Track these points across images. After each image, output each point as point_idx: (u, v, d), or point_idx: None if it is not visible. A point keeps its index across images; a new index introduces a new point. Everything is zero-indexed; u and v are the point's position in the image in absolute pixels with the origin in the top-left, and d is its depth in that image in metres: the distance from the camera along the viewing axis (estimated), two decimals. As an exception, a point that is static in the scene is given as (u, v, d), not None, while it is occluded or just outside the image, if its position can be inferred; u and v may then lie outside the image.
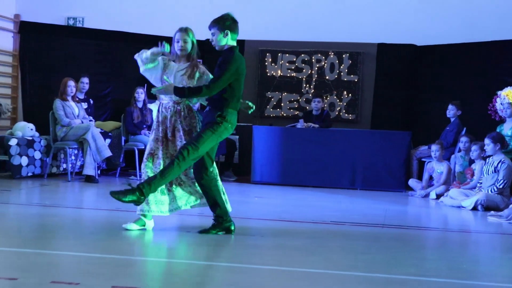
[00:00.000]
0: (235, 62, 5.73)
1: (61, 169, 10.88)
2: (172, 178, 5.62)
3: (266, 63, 12.64)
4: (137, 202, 5.51)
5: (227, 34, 5.79)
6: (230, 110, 5.72)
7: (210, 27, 5.82)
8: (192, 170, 5.81)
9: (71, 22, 13.02)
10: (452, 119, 10.72)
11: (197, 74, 5.91)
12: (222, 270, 4.60)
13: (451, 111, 10.66)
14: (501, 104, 9.80)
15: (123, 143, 11.11)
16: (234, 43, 5.90)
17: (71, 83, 10.32)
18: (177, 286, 4.18)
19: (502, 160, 8.72)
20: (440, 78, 12.03)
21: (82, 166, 10.39)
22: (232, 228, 5.92)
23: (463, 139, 9.90)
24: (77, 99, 10.55)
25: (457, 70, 11.79)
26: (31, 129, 10.51)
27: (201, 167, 5.75)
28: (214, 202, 5.83)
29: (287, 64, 12.63)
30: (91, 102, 11.28)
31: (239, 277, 4.41)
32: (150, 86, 6.18)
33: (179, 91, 5.64)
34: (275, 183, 10.83)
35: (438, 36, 11.95)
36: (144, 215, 5.77)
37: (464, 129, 10.54)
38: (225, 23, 5.81)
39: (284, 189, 10.44)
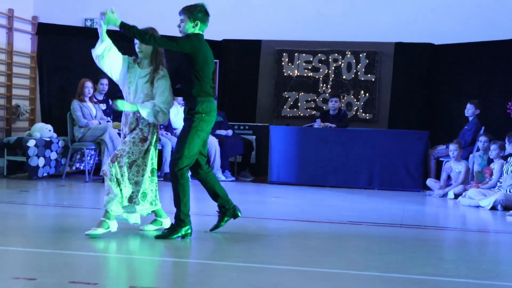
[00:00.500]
0: (192, 38, 5.59)
1: (74, 168, 10.95)
2: (187, 195, 5.60)
3: (283, 63, 12.61)
4: (186, 235, 5.58)
5: (197, 25, 5.63)
6: (200, 98, 5.57)
7: (180, 13, 5.61)
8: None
9: (88, 23, 13.07)
10: (470, 118, 10.65)
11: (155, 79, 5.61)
12: (239, 270, 4.59)
13: (469, 110, 10.59)
14: (520, 103, 9.74)
15: (140, 144, 11.13)
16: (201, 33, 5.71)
17: (89, 84, 10.36)
18: (194, 286, 4.19)
19: (523, 159, 8.67)
20: (458, 77, 11.95)
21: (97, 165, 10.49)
22: (238, 212, 5.91)
23: (482, 138, 9.83)
24: (94, 100, 10.59)
25: (476, 69, 11.69)
26: (49, 130, 10.58)
27: (195, 165, 5.75)
28: (214, 193, 5.84)
29: (304, 64, 12.60)
30: (111, 103, 11.30)
31: (256, 277, 4.40)
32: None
33: (124, 25, 5.41)
34: (292, 183, 10.80)
35: (456, 34, 11.87)
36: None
37: (483, 128, 10.47)
38: (198, 14, 5.64)
39: (301, 189, 10.41)
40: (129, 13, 12.68)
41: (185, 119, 5.68)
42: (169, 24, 12.05)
